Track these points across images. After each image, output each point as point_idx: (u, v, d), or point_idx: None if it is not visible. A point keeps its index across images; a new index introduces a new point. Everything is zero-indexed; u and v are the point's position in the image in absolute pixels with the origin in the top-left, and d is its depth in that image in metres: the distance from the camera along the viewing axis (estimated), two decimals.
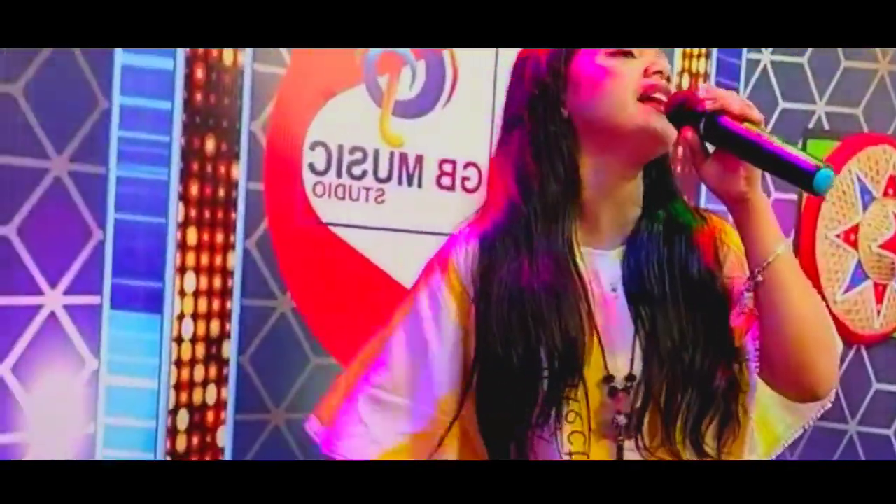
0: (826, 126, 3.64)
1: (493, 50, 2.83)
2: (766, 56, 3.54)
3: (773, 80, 3.58)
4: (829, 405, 1.60)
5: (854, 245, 3.61)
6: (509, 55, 2.94)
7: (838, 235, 3.61)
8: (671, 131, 1.45)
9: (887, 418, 3.70)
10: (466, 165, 2.85)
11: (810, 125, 3.62)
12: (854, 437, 3.69)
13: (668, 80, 1.51)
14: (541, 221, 1.52)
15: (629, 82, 1.49)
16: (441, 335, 1.58)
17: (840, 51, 3.62)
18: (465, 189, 2.86)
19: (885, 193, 3.64)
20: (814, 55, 3.61)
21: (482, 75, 2.84)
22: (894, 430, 3.70)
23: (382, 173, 2.72)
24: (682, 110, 1.44)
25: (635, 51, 1.51)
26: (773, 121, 3.58)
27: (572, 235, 1.54)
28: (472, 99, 2.83)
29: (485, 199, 1.68)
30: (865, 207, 3.62)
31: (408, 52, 2.72)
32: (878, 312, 3.67)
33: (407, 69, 2.72)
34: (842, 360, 3.64)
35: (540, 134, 1.54)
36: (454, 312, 1.59)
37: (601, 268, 1.55)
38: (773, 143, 1.33)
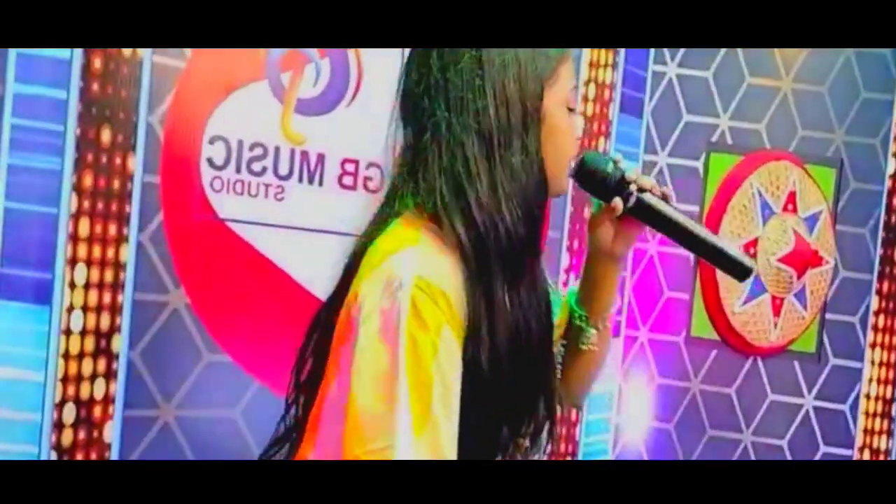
0: (729, 140, 3.71)
1: (400, 52, 2.84)
2: (671, 69, 3.60)
3: (679, 92, 3.64)
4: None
5: (753, 258, 3.68)
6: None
7: (738, 248, 3.68)
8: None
9: (781, 429, 3.78)
10: (369, 165, 2.85)
11: (713, 139, 3.69)
12: (748, 447, 3.76)
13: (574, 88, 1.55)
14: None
15: None
16: None
17: (745, 66, 3.69)
18: (367, 189, 2.86)
19: (785, 209, 3.72)
20: (719, 70, 3.68)
21: (387, 75, 2.83)
22: (788, 440, 3.78)
23: (283, 170, 2.71)
24: (601, 174, 1.46)
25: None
26: (676, 134, 3.64)
27: None
28: (377, 98, 2.82)
29: None
30: (765, 222, 3.70)
31: (312, 50, 2.71)
32: (775, 325, 3.75)
33: (311, 66, 2.71)
34: (737, 372, 3.75)
35: None
36: None
37: None
38: (705, 233, 1.49)
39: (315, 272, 2.78)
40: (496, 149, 1.40)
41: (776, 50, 3.71)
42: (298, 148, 2.72)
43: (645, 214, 1.46)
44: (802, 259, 3.70)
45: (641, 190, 1.46)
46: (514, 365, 1.38)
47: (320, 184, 2.76)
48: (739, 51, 3.67)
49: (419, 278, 1.35)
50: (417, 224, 1.43)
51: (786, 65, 3.72)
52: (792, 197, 3.72)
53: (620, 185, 1.45)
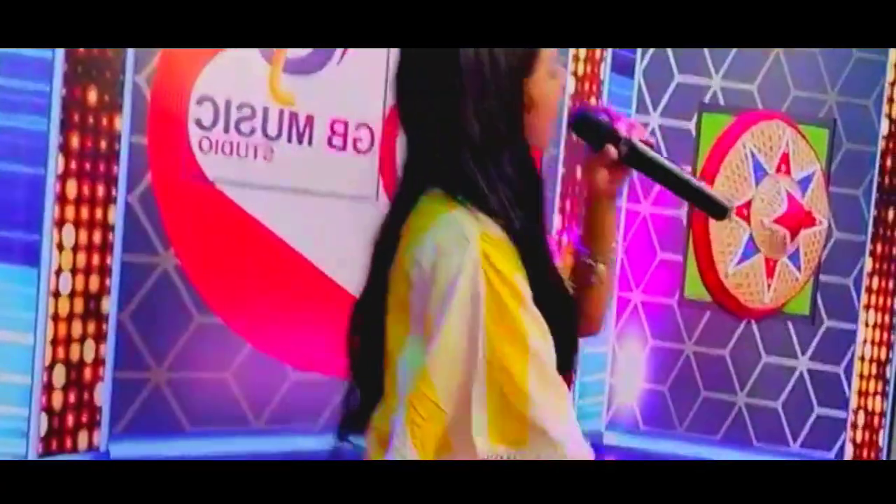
0: (721, 101, 3.69)
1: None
2: None
3: (670, 52, 3.62)
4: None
5: (746, 219, 3.68)
6: None
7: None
8: None
9: (775, 391, 3.78)
10: (358, 126, 2.84)
11: (706, 99, 3.67)
12: (743, 409, 3.76)
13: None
14: None
15: None
16: None
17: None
18: (356, 150, 2.85)
19: (778, 170, 3.71)
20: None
21: None
22: (782, 402, 3.78)
23: (272, 131, 2.69)
24: (596, 127, 1.62)
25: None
26: (668, 94, 3.62)
27: None
28: (366, 58, 2.81)
29: None
30: (758, 183, 3.68)
31: None
32: (769, 286, 3.74)
33: None
34: (731, 334, 3.75)
35: None
36: None
37: None
38: (686, 175, 1.65)
39: (304, 233, 2.77)
40: (488, 162, 1.51)
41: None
42: (287, 109, 2.71)
43: (635, 160, 1.62)
44: (796, 220, 3.69)
45: (629, 139, 1.61)
46: (555, 305, 1.53)
47: (310, 144, 2.75)
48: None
49: (484, 234, 1.47)
50: (446, 197, 1.52)
51: None
52: (785, 158, 3.71)
53: (612, 135, 1.61)
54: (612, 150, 1.61)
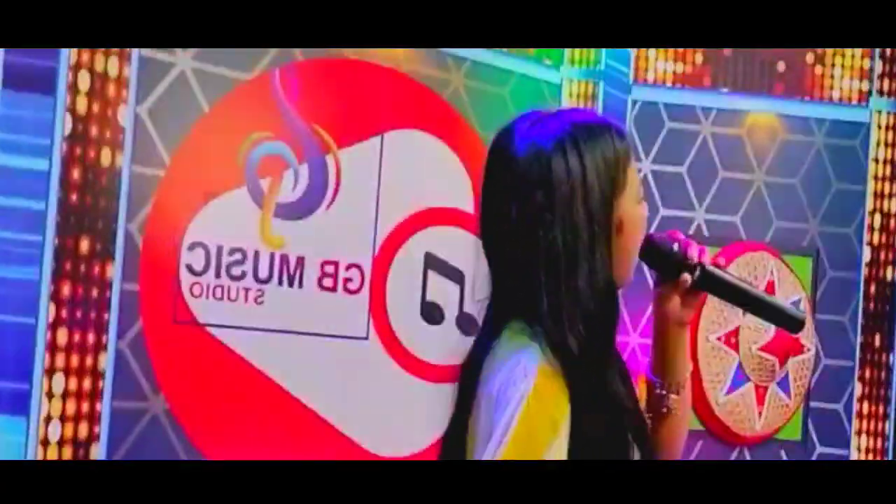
0: (706, 233, 3.74)
1: (378, 155, 2.89)
2: (646, 165, 3.65)
3: (654, 187, 3.68)
4: None
5: (735, 347, 3.70)
6: (392, 161, 3.00)
7: (719, 338, 3.69)
8: None
9: None
10: (349, 267, 2.86)
11: (690, 232, 3.72)
12: None
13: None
14: None
15: None
16: None
17: (717, 161, 3.74)
18: (347, 290, 2.87)
19: None
20: (692, 165, 3.72)
21: (365, 177, 2.87)
22: None
23: (263, 274, 2.72)
24: (668, 256, 1.61)
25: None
26: (653, 228, 3.66)
27: None
28: (356, 201, 2.85)
29: None
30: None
31: (291, 155, 2.74)
32: (760, 414, 3.74)
33: (289, 172, 2.74)
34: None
35: None
36: None
37: None
38: (759, 293, 1.64)
39: (296, 374, 2.78)
40: (562, 274, 1.50)
41: (748, 144, 3.77)
42: (278, 252, 2.74)
43: (709, 284, 1.60)
44: (783, 347, 3.71)
45: (703, 263, 1.59)
46: (615, 437, 1.52)
47: (300, 286, 2.77)
48: (711, 145, 3.73)
49: (541, 367, 1.47)
50: (524, 330, 1.53)
51: (757, 158, 3.78)
52: (771, 286, 3.74)
53: (684, 262, 1.60)
54: (687, 279, 1.59)
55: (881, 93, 3.79)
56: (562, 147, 1.49)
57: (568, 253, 1.48)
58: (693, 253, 1.59)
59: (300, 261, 2.78)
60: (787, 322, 1.63)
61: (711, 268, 1.60)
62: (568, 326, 1.49)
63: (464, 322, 3.10)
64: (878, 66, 3.78)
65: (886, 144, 3.81)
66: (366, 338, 2.88)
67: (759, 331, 3.70)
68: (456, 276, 3.08)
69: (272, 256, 2.73)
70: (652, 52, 3.65)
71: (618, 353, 1.61)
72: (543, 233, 1.48)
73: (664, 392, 1.67)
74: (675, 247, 1.60)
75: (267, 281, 2.72)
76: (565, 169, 1.48)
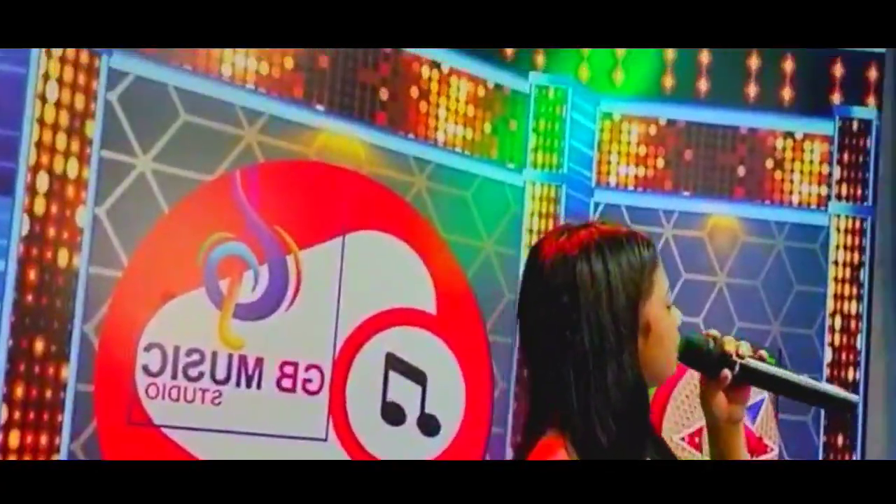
0: None
1: (339, 256, 2.90)
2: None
3: None
4: None
5: (698, 448, 3.69)
6: (353, 262, 3.01)
7: (683, 438, 3.68)
8: None
9: None
10: (308, 368, 2.85)
11: None
12: None
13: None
14: None
15: None
16: None
17: (680, 263, 3.78)
18: (306, 391, 2.86)
19: None
20: None
21: (325, 279, 2.88)
22: None
23: (220, 375, 2.70)
24: (707, 354, 1.60)
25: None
26: None
27: None
28: (317, 301, 2.86)
29: None
30: None
31: (251, 256, 2.75)
32: None
33: (249, 273, 2.74)
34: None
35: None
36: None
37: None
38: (805, 380, 1.62)
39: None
40: (591, 373, 1.51)
41: (709, 247, 3.81)
42: (236, 352, 2.73)
43: (751, 377, 1.60)
44: (747, 447, 3.71)
45: (741, 357, 1.59)
46: None
47: (258, 387, 2.76)
48: (673, 247, 3.77)
49: None
50: (556, 440, 1.54)
51: (719, 260, 3.82)
52: None
53: (723, 358, 1.59)
54: (727, 375, 1.58)
55: (839, 197, 3.85)
56: (587, 253, 1.53)
57: (595, 352, 1.50)
58: (730, 348, 1.60)
59: (259, 361, 2.76)
60: (839, 405, 1.63)
61: (749, 360, 1.60)
62: (598, 423, 1.50)
63: (425, 423, 3.09)
64: (837, 172, 3.85)
65: (845, 247, 3.86)
66: (325, 439, 2.86)
67: None
68: (417, 376, 3.07)
69: (230, 357, 2.72)
70: (614, 155, 3.70)
71: (653, 435, 1.60)
72: (570, 333, 1.51)
73: None
74: (711, 344, 1.61)
75: (225, 382, 2.70)
76: (589, 273, 1.51)
